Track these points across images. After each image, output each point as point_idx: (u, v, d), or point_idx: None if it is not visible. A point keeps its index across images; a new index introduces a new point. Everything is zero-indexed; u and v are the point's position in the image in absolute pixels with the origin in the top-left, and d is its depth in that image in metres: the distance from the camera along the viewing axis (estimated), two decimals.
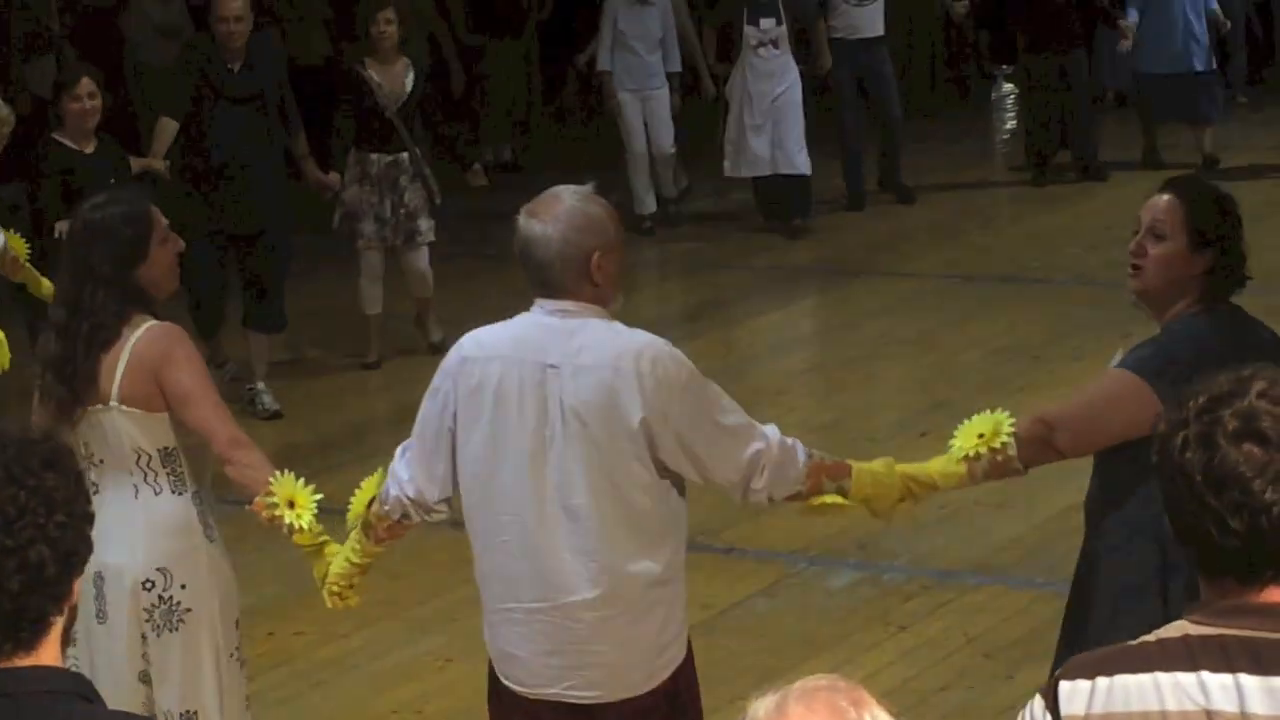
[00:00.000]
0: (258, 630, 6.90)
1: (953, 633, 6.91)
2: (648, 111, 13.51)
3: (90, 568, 4.73)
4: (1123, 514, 4.52)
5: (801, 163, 13.14)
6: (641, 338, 4.46)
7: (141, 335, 4.98)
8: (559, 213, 4.45)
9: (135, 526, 5.02)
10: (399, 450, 4.66)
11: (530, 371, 4.43)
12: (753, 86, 13.12)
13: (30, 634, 2.70)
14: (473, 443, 4.50)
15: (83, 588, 4.90)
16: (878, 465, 4.69)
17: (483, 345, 4.54)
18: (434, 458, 4.58)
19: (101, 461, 5.03)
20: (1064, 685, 2.74)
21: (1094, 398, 4.67)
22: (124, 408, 4.98)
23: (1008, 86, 18.76)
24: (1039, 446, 4.63)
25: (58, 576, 2.67)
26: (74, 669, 4.91)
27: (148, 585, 5.03)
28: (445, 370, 4.57)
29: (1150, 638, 2.74)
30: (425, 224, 10.61)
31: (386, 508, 4.70)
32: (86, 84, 9.08)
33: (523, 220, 4.48)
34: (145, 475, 5.04)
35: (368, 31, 10.68)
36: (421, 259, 10.68)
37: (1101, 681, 2.72)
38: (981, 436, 4.62)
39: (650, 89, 13.49)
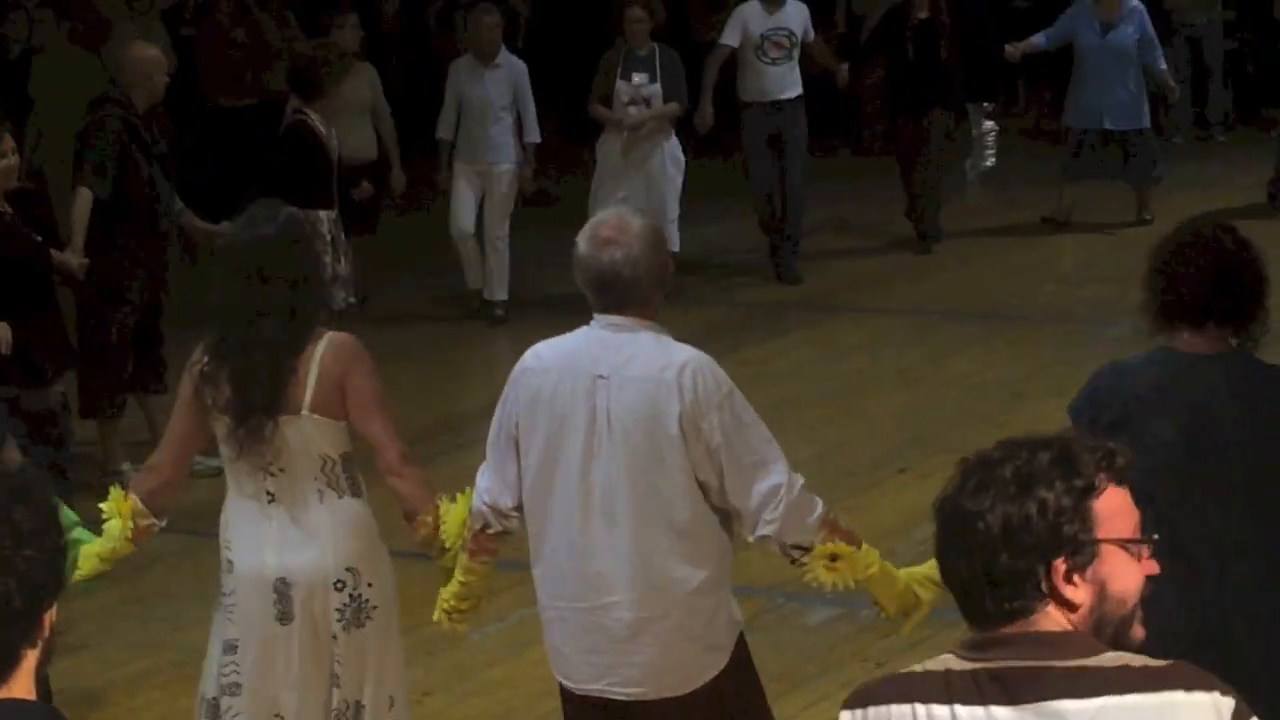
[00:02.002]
0: None
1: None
2: (486, 189, 12.26)
3: (269, 574, 5.16)
4: None
5: (670, 238, 11.71)
6: (686, 352, 4.64)
7: (327, 346, 5.09)
8: (636, 232, 4.66)
9: (322, 530, 5.14)
10: (481, 469, 4.89)
11: (582, 382, 4.64)
12: (625, 147, 12.33)
13: (1, 668, 2.68)
14: (532, 450, 4.71)
15: (255, 594, 5.09)
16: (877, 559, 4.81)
17: (541, 358, 4.76)
18: (505, 465, 4.80)
19: (282, 471, 5.12)
20: (843, 714, 2.90)
21: None
22: (315, 416, 5.07)
23: (988, 124, 18.80)
24: None
25: (26, 610, 2.65)
26: (231, 675, 4.97)
27: (339, 585, 5.15)
28: (511, 381, 4.80)
29: (918, 667, 2.86)
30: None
31: (473, 518, 4.93)
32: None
33: (592, 249, 4.65)
34: (329, 481, 5.15)
35: (320, 80, 10.07)
36: None
37: (871, 710, 2.86)
38: None
39: (489, 163, 12.24)
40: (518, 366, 4.79)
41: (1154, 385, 4.55)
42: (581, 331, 4.74)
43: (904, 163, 13.90)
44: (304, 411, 5.07)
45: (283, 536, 5.12)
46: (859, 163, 16.76)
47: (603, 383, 4.62)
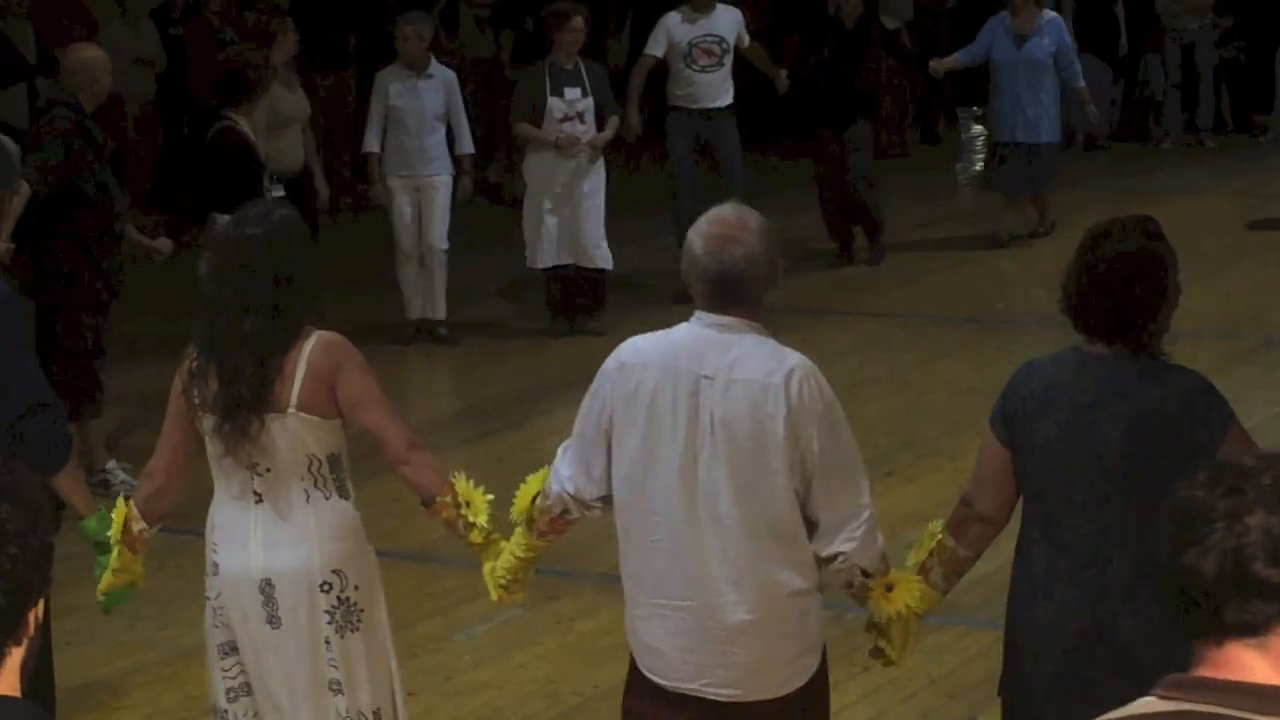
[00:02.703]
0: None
1: (916, 673, 6.90)
2: (422, 202, 11.78)
3: (254, 575, 5.04)
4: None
5: (602, 256, 11.95)
6: (793, 357, 4.60)
7: (315, 344, 5.03)
8: (755, 229, 4.60)
9: (308, 531, 5.07)
10: (561, 449, 4.84)
11: (685, 380, 4.58)
12: (556, 165, 11.82)
13: None
14: (627, 445, 4.66)
15: (243, 595, 5.00)
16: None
17: (641, 352, 4.69)
18: (592, 457, 4.75)
19: (268, 470, 5.05)
20: None
21: (978, 455, 4.85)
22: (302, 414, 5.01)
23: (977, 128, 18.82)
24: (969, 524, 4.84)
25: (9, 608, 2.64)
26: (238, 677, 4.95)
27: (325, 587, 5.08)
28: (604, 374, 4.74)
29: (1120, 713, 2.68)
30: None
31: (549, 502, 4.86)
32: None
33: (712, 246, 4.57)
34: (316, 481, 5.08)
35: (251, 81, 9.91)
36: None
37: None
38: (932, 554, 4.88)
39: (424, 175, 11.80)
40: (613, 359, 4.73)
41: (1048, 384, 4.62)
42: (684, 328, 4.67)
43: (822, 177, 13.60)
44: (290, 409, 5.00)
45: (268, 537, 5.06)
46: None
47: (707, 383, 4.56)
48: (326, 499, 5.09)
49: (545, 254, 11.83)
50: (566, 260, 11.87)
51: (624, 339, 4.79)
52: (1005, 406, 4.69)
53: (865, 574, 4.69)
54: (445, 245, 11.82)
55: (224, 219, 9.20)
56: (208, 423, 5.06)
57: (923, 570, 4.86)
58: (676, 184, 12.86)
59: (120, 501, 5.28)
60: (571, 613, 7.55)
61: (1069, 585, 4.53)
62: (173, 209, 12.58)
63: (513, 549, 5.02)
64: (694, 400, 4.56)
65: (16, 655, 2.70)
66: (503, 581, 5.07)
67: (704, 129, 12.73)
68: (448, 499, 5.05)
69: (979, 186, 14.33)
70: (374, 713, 5.13)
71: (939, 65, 14.22)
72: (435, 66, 11.82)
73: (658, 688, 4.74)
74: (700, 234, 4.59)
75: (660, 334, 4.72)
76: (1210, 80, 18.15)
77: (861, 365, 11.16)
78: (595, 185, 11.84)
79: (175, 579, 7.50)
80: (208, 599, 5.21)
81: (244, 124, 9.86)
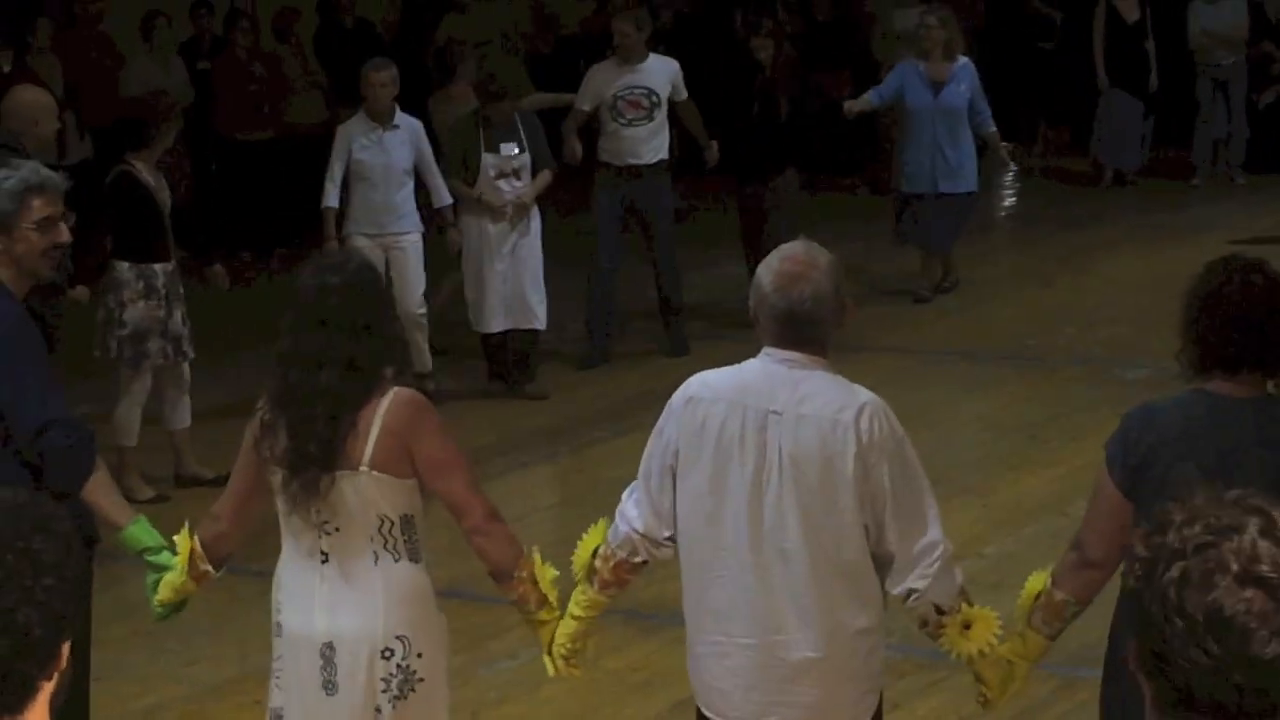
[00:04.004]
0: (245, 698, 6.89)
1: (945, 712, 6.88)
2: (392, 262, 11.06)
3: (318, 638, 4.97)
4: None
5: (539, 318, 11.44)
6: (863, 394, 4.63)
7: (392, 401, 4.92)
8: (824, 267, 4.62)
9: (374, 594, 4.94)
10: (626, 492, 4.84)
11: (753, 416, 4.58)
12: (491, 226, 11.26)
13: (16, 699, 2.67)
14: (693, 479, 4.66)
15: (302, 658, 4.94)
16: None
17: (710, 387, 4.70)
18: (659, 495, 4.75)
19: (337, 530, 4.93)
20: None
21: (1091, 497, 4.75)
22: (375, 473, 4.89)
23: (1008, 164, 18.80)
24: (1076, 571, 4.76)
25: (45, 640, 2.65)
26: None
27: (387, 654, 4.95)
28: (670, 411, 4.74)
29: None
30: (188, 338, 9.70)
31: (615, 545, 4.85)
32: None
33: (781, 284, 4.59)
34: (385, 542, 4.95)
35: (147, 131, 9.59)
36: (186, 377, 9.79)
37: None
38: (1038, 597, 4.83)
39: (392, 233, 11.20)
40: (680, 395, 4.72)
41: (1181, 428, 4.54)
42: (753, 364, 4.67)
43: (748, 230, 12.86)
44: (363, 468, 4.88)
45: (333, 598, 4.95)
46: (877, 202, 16.71)
47: (775, 418, 4.57)
48: (395, 561, 4.96)
49: (493, 318, 11.35)
50: (509, 324, 11.38)
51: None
52: (1128, 455, 4.58)
53: (940, 611, 4.66)
54: (422, 309, 11.31)
55: (123, 265, 9.33)
56: (277, 478, 4.96)
57: (1030, 624, 4.83)
58: (599, 243, 12.08)
59: (185, 533, 5.21)
60: (599, 649, 7.53)
61: None
62: (202, 246, 12.59)
63: (571, 609, 4.96)
64: (762, 435, 4.56)
65: (48, 689, 2.71)
66: (564, 651, 5.00)
67: (630, 187, 11.98)
68: (524, 574, 4.97)
69: (893, 242, 13.98)
70: None
71: (851, 106, 13.70)
72: (401, 116, 11.22)
73: None
74: (770, 271, 4.60)
75: (729, 369, 4.73)
76: (1243, 115, 18.11)
77: (891, 399, 11.07)
78: (531, 245, 11.28)
79: (202, 615, 7.48)
80: (273, 659, 5.12)
81: (142, 169, 9.47)
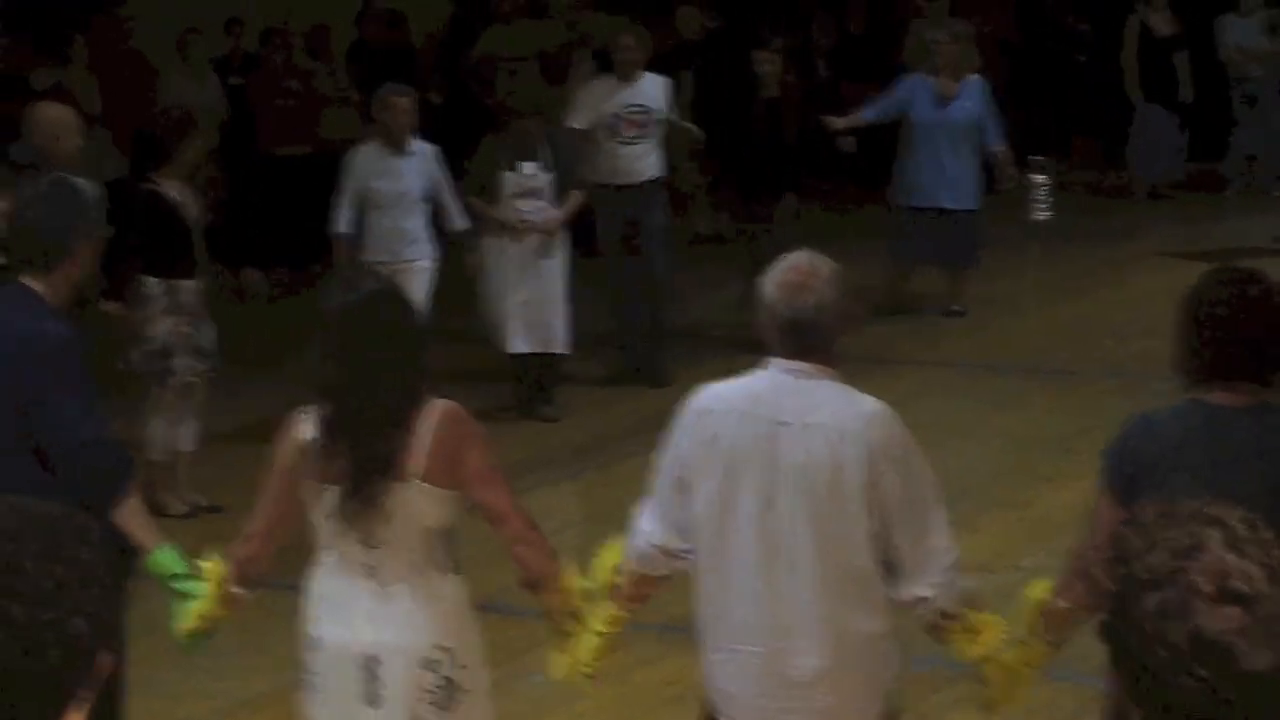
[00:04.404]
0: (277, 712, 6.89)
1: None
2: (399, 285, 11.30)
3: (361, 650, 4.98)
4: None
5: (561, 342, 11.26)
6: (871, 403, 4.69)
7: (440, 414, 4.96)
8: (827, 277, 4.67)
9: (419, 606, 4.98)
10: (641, 507, 4.89)
11: (762, 426, 4.63)
12: (511, 246, 11.10)
13: (58, 710, 2.68)
14: (705, 491, 4.71)
15: (344, 670, 4.95)
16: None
17: (721, 399, 4.74)
18: (674, 507, 4.80)
19: (383, 543, 4.95)
20: None
21: (1092, 507, 4.76)
22: (425, 485, 4.92)
23: (1040, 178, 18.73)
24: (1079, 580, 4.74)
25: (92, 649, 2.65)
26: None
27: (433, 665, 4.98)
28: (681, 424, 4.79)
29: None
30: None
31: (634, 559, 4.91)
32: None
33: (785, 295, 4.65)
34: (429, 554, 4.99)
35: (164, 147, 9.56)
36: (200, 398, 9.70)
37: None
38: (1039, 606, 4.86)
39: (405, 260, 10.92)
40: (691, 408, 4.77)
41: (1177, 439, 4.54)
42: (761, 375, 4.72)
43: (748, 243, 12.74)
44: (414, 479, 4.91)
45: (376, 611, 4.97)
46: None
47: (784, 429, 4.61)
48: (438, 574, 5.01)
49: (514, 338, 11.15)
50: (532, 347, 11.19)
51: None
52: (1125, 464, 4.60)
53: (947, 617, 4.70)
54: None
55: (150, 280, 9.32)
56: (330, 495, 4.95)
57: (1029, 628, 4.84)
58: (608, 268, 12.07)
59: (217, 560, 5.21)
60: (632, 663, 7.51)
61: None
62: (235, 261, 12.62)
63: (595, 625, 4.99)
64: (771, 446, 4.61)
65: (89, 699, 2.71)
66: (589, 670, 5.03)
67: (629, 205, 11.86)
68: (559, 585, 5.01)
69: (895, 258, 13.79)
70: None
71: (836, 123, 13.53)
72: (415, 142, 11.03)
73: None
74: (774, 282, 4.65)
75: (737, 381, 4.77)
76: (1277, 128, 18.05)
77: (916, 414, 11.02)
78: (553, 267, 11.11)
79: (233, 629, 7.42)
80: (306, 674, 5.11)
81: (168, 186, 9.45)
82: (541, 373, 11.35)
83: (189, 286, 9.54)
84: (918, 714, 6.95)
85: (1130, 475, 4.56)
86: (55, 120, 8.56)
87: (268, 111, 15.15)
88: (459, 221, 11.16)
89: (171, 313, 9.47)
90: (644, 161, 11.88)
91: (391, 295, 5.06)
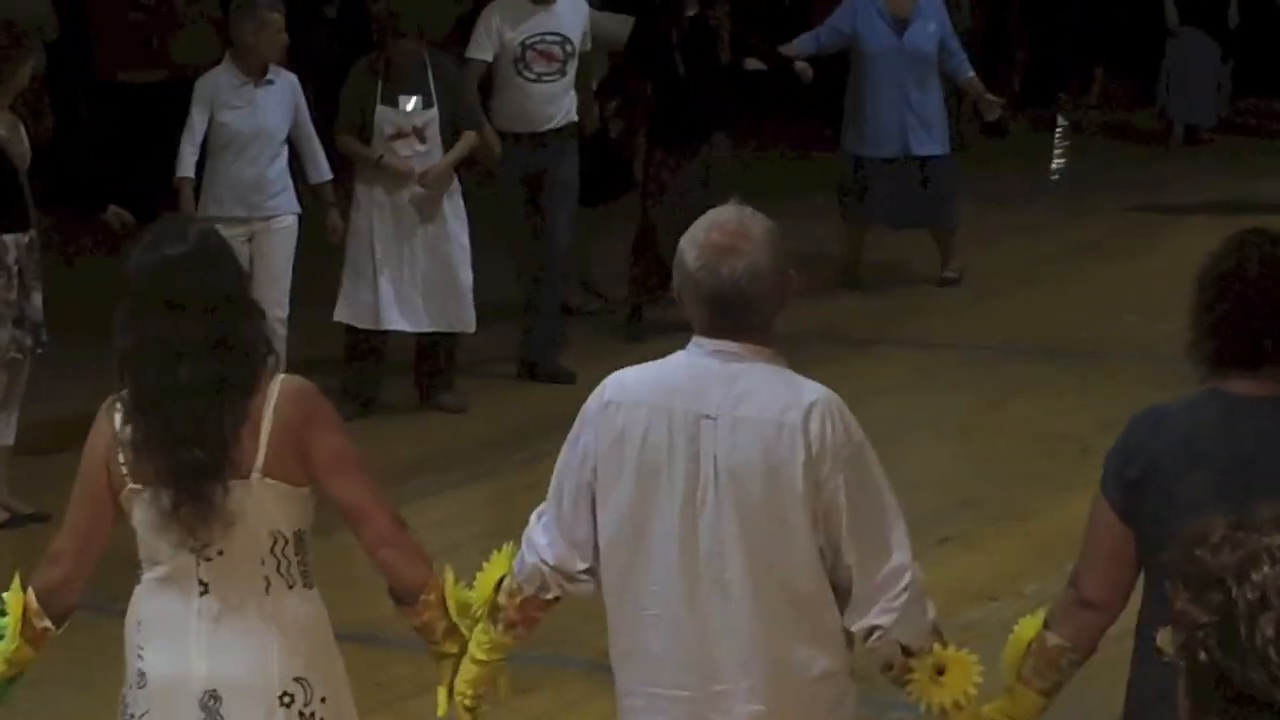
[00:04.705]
0: None
1: None
2: (255, 250, 10.79)
3: (199, 684, 4.98)
4: None
5: (464, 320, 11.24)
6: (813, 390, 4.66)
7: (281, 392, 4.96)
8: (759, 237, 4.62)
9: (267, 630, 4.99)
10: (534, 516, 4.87)
11: (682, 422, 4.64)
12: (387, 198, 11.04)
13: None
14: (615, 502, 4.71)
15: (177, 712, 4.95)
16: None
17: (628, 389, 4.74)
18: (574, 519, 4.80)
19: (220, 553, 4.95)
20: None
21: (1088, 522, 4.78)
22: (269, 480, 4.93)
23: (1060, 121, 18.85)
24: (1073, 612, 4.78)
25: None
26: None
27: (286, 700, 4.99)
28: (585, 418, 4.77)
29: None
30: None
31: (521, 579, 4.89)
32: None
33: (708, 259, 4.60)
34: (279, 565, 4.98)
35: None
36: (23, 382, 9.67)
37: None
38: (1030, 645, 4.84)
39: (264, 215, 10.90)
40: (595, 400, 4.77)
41: (1186, 434, 4.58)
42: (680, 358, 4.72)
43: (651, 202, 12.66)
44: (255, 474, 4.91)
45: (215, 638, 4.97)
46: None
47: (709, 423, 4.62)
48: (290, 588, 5.00)
49: (388, 311, 11.06)
50: (418, 325, 11.15)
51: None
52: (1127, 468, 4.62)
53: (908, 652, 4.68)
54: (284, 311, 10.83)
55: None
56: (145, 499, 4.95)
57: (1021, 677, 4.84)
58: (510, 231, 12.01)
59: (16, 588, 5.17)
60: (553, 708, 7.55)
61: None
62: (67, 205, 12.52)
63: (473, 651, 5.00)
64: (694, 445, 4.60)
65: None
66: (467, 702, 5.04)
67: (536, 159, 11.80)
68: (431, 597, 5.00)
69: (849, 220, 13.86)
70: None
71: (785, 51, 13.32)
72: (275, 70, 10.94)
73: None
74: (694, 244, 4.61)
75: (652, 366, 4.76)
76: None
77: (911, 406, 11.15)
78: (448, 228, 11.10)
79: (63, 663, 7.45)
80: (131, 716, 5.10)
81: None
82: (438, 355, 11.32)
83: (15, 242, 9.52)
84: None
85: (1132, 481, 4.60)
86: None
87: (109, 30, 15.11)
88: (322, 171, 11.12)
89: None
90: (557, 104, 11.75)
91: (208, 253, 5.02)
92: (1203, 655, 2.59)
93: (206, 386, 4.89)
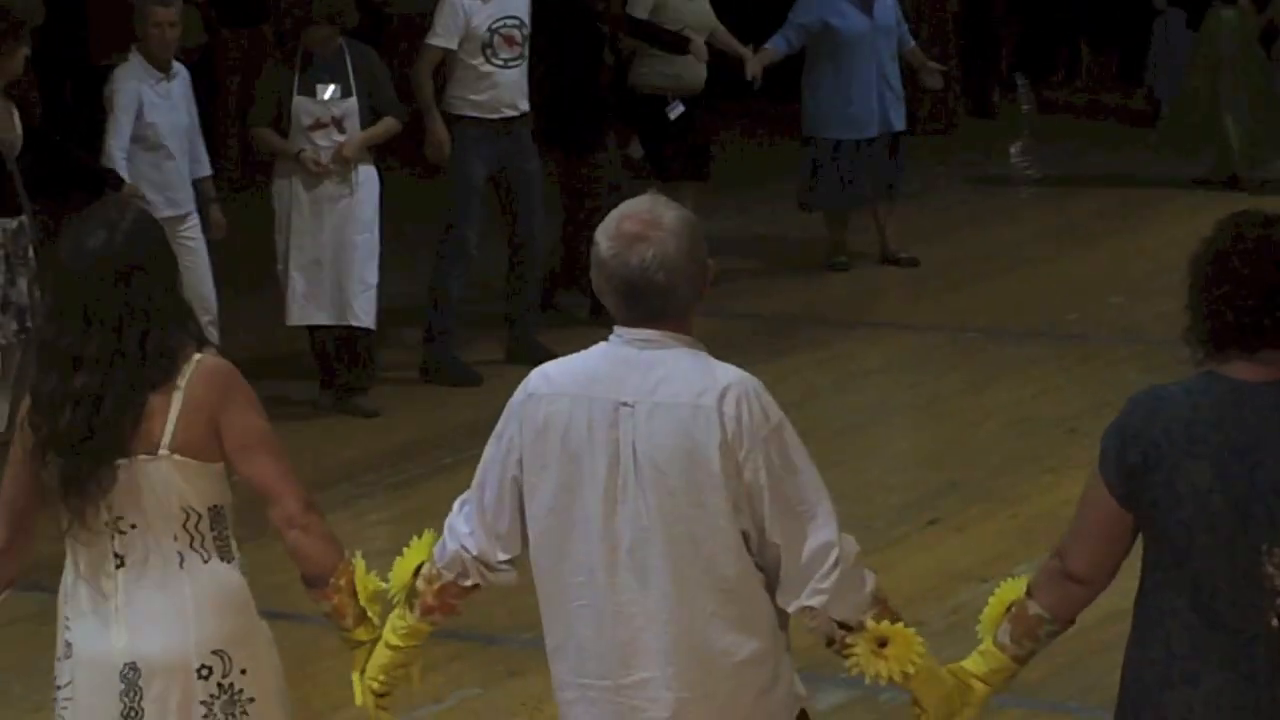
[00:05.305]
0: None
1: None
2: (181, 254, 9.96)
3: (120, 656, 5.06)
4: None
5: (364, 312, 11.04)
6: (729, 373, 4.68)
7: (194, 371, 5.03)
8: (671, 226, 4.65)
9: (183, 604, 5.05)
10: (457, 503, 4.92)
11: (601, 410, 4.68)
12: (304, 191, 10.92)
13: None
14: (540, 493, 4.75)
15: (99, 683, 5.02)
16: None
17: (551, 381, 4.77)
18: (497, 510, 4.84)
19: (133, 527, 5.03)
20: None
21: (1081, 498, 4.79)
22: (177, 457, 5.00)
23: (1023, 103, 18.78)
24: (1056, 582, 4.79)
25: None
26: None
27: (204, 673, 5.06)
28: (510, 411, 4.81)
29: None
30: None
31: (441, 565, 4.93)
32: None
33: (618, 247, 4.64)
34: (192, 540, 5.05)
35: None
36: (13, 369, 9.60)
37: None
38: (1010, 608, 4.87)
39: (185, 212, 10.79)
40: (519, 392, 4.80)
41: (1187, 420, 4.57)
42: (600, 349, 4.76)
43: (572, 202, 12.69)
44: (163, 450, 4.99)
45: (132, 611, 5.05)
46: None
47: (627, 411, 4.66)
48: (205, 562, 5.07)
49: (297, 306, 11.00)
50: (325, 319, 11.02)
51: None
52: (1127, 453, 4.62)
53: (846, 628, 4.71)
54: (213, 315, 10.67)
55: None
56: (56, 474, 5.03)
57: (992, 635, 4.88)
58: (457, 212, 11.69)
59: None
60: (541, 691, 7.54)
61: (1221, 670, 4.48)
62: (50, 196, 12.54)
63: (387, 636, 5.05)
64: (613, 432, 4.66)
65: None
66: (377, 686, 5.08)
67: (504, 146, 11.67)
68: (341, 582, 5.06)
69: (807, 207, 13.91)
70: None
71: (756, 66, 13.34)
72: (174, 63, 10.94)
73: None
74: (606, 234, 4.65)
75: (574, 357, 4.81)
76: None
77: (897, 389, 11.20)
78: (358, 217, 10.93)
79: (50, 647, 7.49)
80: (56, 686, 5.20)
81: None
82: (348, 353, 11.18)
83: (4, 227, 9.57)
84: None
85: (1133, 466, 4.60)
86: None
87: (102, 12, 15.08)
88: (204, 165, 11.08)
89: None
90: (522, 89, 11.70)
91: (139, 230, 5.09)
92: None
93: (125, 366, 4.98)
